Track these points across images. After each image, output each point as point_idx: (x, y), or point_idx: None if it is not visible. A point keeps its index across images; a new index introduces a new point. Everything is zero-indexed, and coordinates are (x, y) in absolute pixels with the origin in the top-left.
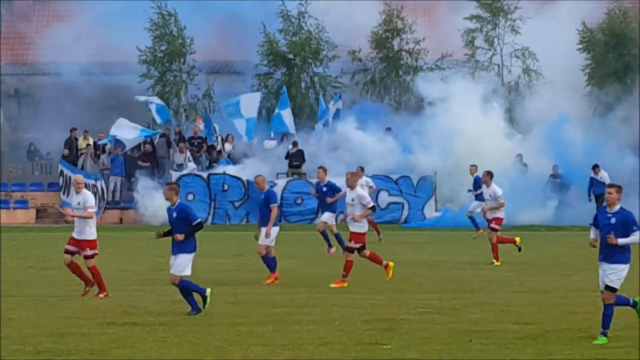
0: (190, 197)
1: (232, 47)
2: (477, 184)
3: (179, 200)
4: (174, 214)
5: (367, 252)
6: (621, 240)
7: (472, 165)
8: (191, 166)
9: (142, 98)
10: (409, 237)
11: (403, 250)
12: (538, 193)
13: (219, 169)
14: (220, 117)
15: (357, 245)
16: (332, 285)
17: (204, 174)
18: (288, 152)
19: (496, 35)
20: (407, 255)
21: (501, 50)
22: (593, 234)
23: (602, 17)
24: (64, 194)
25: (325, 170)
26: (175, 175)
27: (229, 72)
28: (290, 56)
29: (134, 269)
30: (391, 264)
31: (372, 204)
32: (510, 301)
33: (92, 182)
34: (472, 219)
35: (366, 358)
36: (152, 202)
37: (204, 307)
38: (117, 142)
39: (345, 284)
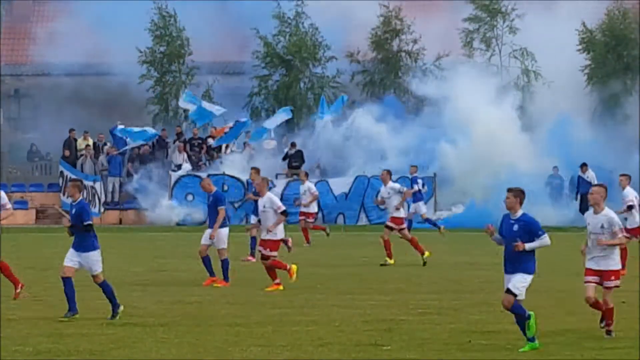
0: (189, 197)
1: (232, 48)
2: (413, 183)
3: (80, 198)
4: (73, 211)
5: (269, 262)
6: (529, 245)
7: (412, 166)
8: (186, 167)
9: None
10: None
11: (403, 250)
12: (539, 193)
13: (219, 169)
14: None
15: (273, 253)
16: (268, 289)
17: (203, 175)
18: (287, 153)
19: (494, 35)
20: (407, 256)
21: (500, 51)
22: (499, 240)
23: (602, 18)
24: (63, 194)
25: (258, 171)
26: (174, 175)
27: (228, 73)
28: (289, 57)
29: (134, 270)
30: (281, 287)
31: (282, 208)
32: None
33: (90, 183)
34: (428, 220)
35: (366, 359)
36: (157, 202)
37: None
38: (116, 140)
39: (281, 287)
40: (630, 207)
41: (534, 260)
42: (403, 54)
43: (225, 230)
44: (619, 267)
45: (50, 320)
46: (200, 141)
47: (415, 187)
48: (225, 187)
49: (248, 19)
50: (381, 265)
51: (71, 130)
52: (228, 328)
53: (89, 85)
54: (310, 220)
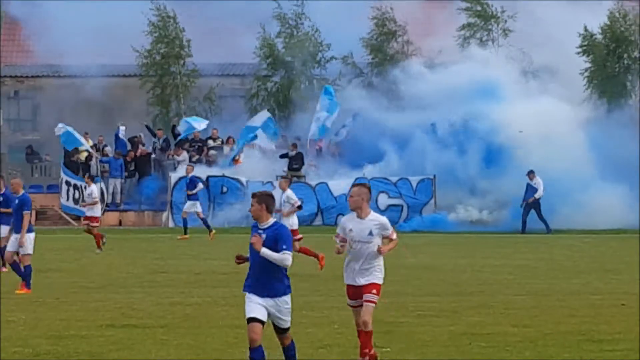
0: None
1: (232, 49)
2: (192, 183)
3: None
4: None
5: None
6: (265, 250)
7: (188, 165)
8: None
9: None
10: (407, 240)
11: (402, 252)
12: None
13: (218, 171)
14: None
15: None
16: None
17: (203, 176)
18: (288, 155)
19: (490, 39)
20: (405, 258)
21: (497, 52)
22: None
23: (603, 20)
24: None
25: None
26: (174, 177)
27: (229, 75)
28: (289, 58)
29: (134, 271)
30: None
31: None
32: (510, 304)
33: None
34: (185, 220)
35: None
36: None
37: None
38: (119, 143)
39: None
40: (300, 207)
41: (286, 274)
42: (400, 56)
43: (31, 236)
44: (382, 281)
45: (49, 322)
46: (200, 144)
47: (201, 186)
48: (225, 189)
49: (248, 20)
50: None
51: None
52: (228, 330)
53: (89, 86)
54: (95, 224)
